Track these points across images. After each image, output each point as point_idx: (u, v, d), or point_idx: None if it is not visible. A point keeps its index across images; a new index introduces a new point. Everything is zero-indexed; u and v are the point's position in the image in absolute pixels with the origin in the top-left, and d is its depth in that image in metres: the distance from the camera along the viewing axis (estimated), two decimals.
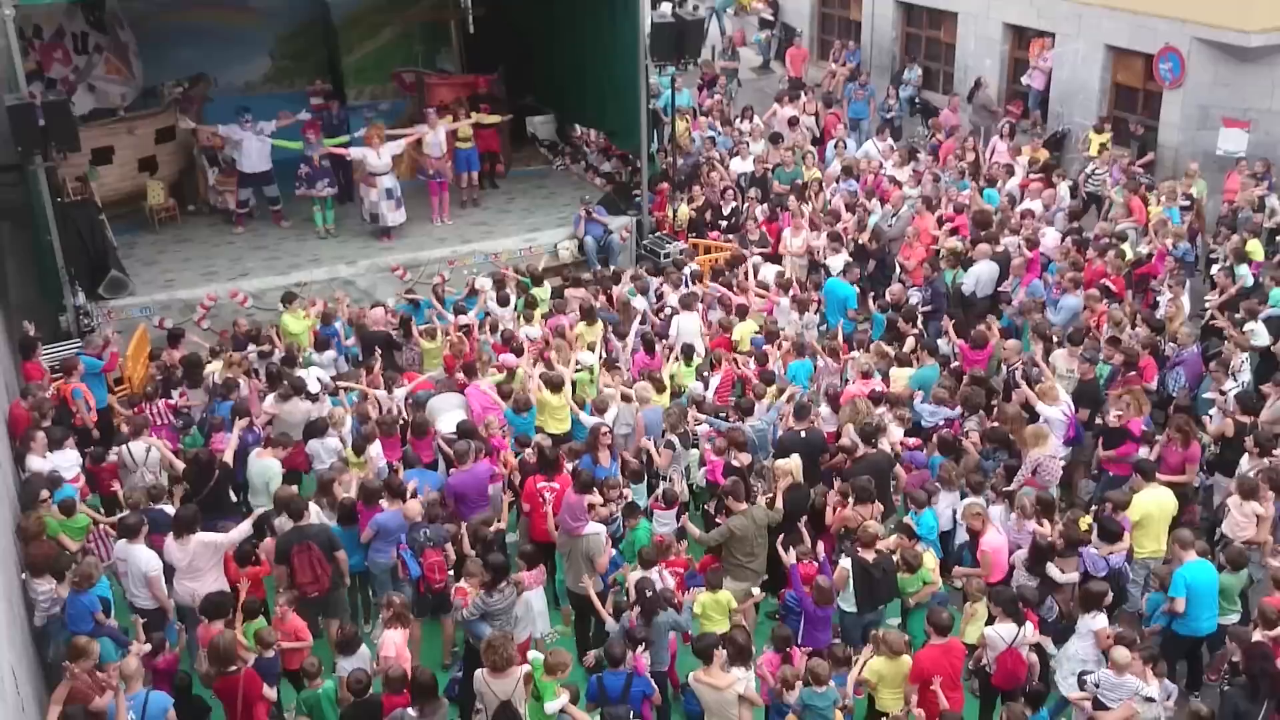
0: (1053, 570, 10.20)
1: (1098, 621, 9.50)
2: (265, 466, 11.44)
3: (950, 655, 9.24)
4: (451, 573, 10.39)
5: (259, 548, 10.69)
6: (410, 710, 8.67)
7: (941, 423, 12.40)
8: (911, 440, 12.26)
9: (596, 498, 10.63)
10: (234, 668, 9.03)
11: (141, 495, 10.85)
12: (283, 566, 10.28)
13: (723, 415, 12.54)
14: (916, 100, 23.38)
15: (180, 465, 11.66)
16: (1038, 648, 9.74)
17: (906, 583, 10.40)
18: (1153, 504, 10.79)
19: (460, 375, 13.39)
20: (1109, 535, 10.25)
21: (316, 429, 12.11)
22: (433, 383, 13.67)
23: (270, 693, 9.20)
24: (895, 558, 10.38)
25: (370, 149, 17.32)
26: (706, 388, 13.36)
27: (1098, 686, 8.95)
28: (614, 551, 10.75)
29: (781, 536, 10.60)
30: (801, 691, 8.81)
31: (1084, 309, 14.33)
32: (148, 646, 9.39)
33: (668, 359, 14.05)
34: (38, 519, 10.36)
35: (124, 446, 11.85)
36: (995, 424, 12.26)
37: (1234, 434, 11.83)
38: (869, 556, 10.13)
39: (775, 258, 17.05)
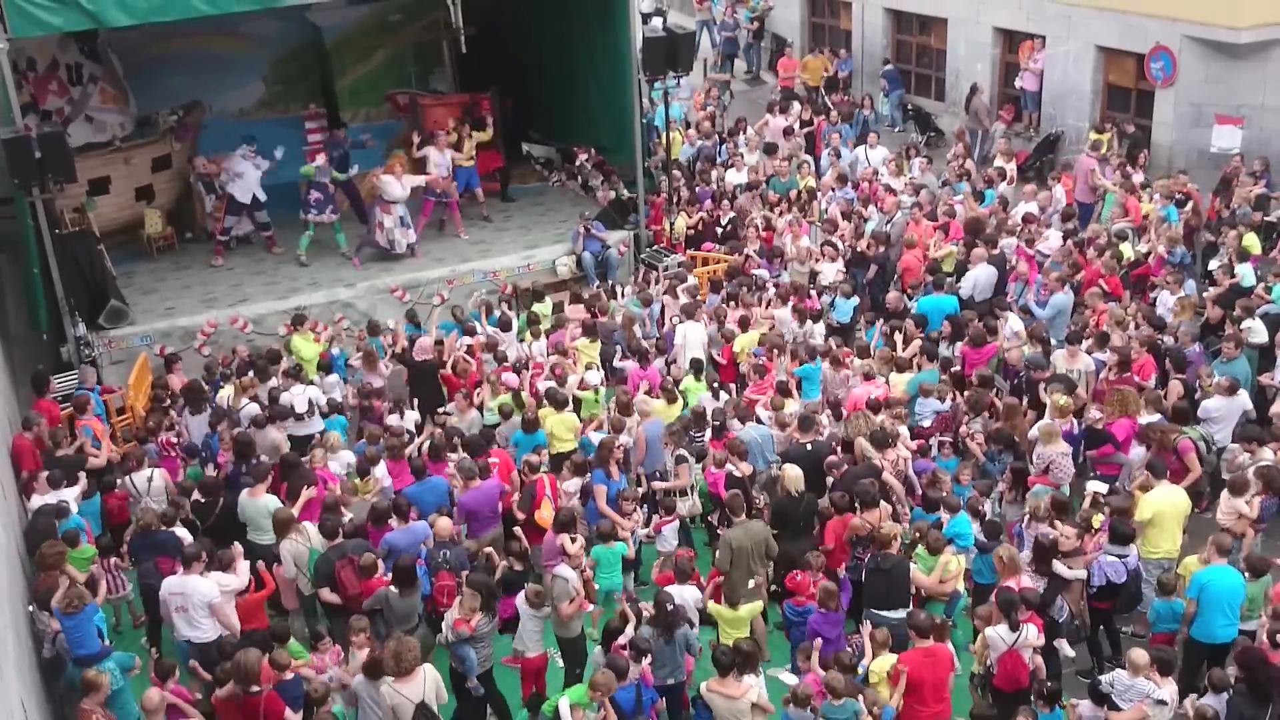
0: (1059, 567, 10.13)
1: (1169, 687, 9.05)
2: (259, 506, 11.25)
3: (936, 663, 9.08)
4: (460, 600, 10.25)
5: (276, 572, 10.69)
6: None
7: (931, 415, 12.32)
8: (914, 444, 12.19)
9: (573, 546, 10.34)
10: (256, 689, 8.96)
11: (154, 518, 10.82)
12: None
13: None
14: (909, 108, 23.43)
15: (185, 502, 11.48)
16: (1049, 649, 9.68)
17: (924, 559, 10.32)
18: (1164, 503, 10.68)
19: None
20: (1121, 538, 10.19)
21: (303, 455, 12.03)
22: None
23: (292, 716, 9.07)
24: (918, 547, 10.39)
25: (392, 177, 17.32)
26: (718, 398, 13.24)
27: (1112, 687, 8.93)
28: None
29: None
30: (822, 705, 8.76)
31: (1085, 309, 14.34)
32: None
33: (669, 371, 14.01)
34: (58, 549, 10.27)
35: (127, 477, 11.88)
36: (1000, 425, 12.21)
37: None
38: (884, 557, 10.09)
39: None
